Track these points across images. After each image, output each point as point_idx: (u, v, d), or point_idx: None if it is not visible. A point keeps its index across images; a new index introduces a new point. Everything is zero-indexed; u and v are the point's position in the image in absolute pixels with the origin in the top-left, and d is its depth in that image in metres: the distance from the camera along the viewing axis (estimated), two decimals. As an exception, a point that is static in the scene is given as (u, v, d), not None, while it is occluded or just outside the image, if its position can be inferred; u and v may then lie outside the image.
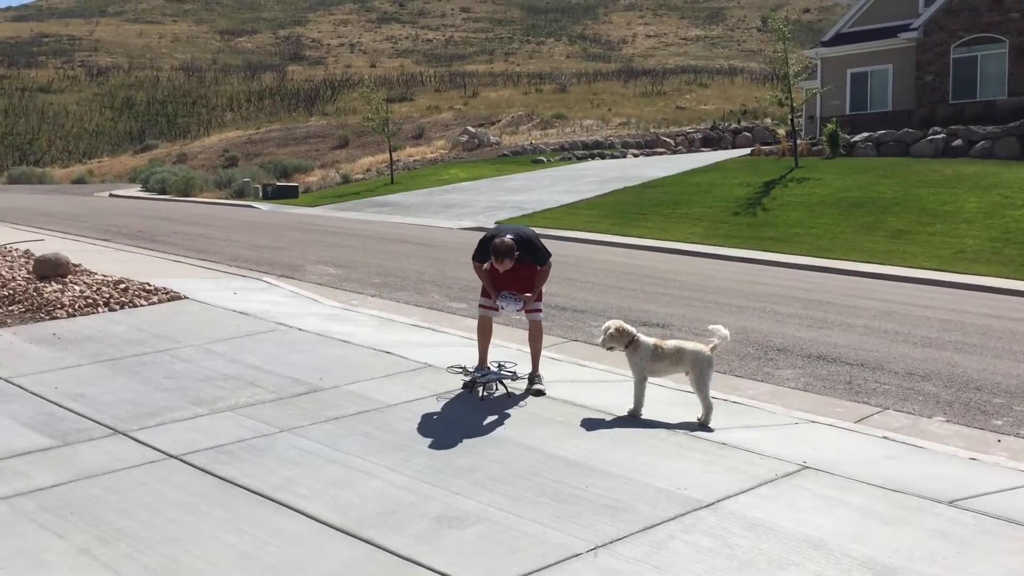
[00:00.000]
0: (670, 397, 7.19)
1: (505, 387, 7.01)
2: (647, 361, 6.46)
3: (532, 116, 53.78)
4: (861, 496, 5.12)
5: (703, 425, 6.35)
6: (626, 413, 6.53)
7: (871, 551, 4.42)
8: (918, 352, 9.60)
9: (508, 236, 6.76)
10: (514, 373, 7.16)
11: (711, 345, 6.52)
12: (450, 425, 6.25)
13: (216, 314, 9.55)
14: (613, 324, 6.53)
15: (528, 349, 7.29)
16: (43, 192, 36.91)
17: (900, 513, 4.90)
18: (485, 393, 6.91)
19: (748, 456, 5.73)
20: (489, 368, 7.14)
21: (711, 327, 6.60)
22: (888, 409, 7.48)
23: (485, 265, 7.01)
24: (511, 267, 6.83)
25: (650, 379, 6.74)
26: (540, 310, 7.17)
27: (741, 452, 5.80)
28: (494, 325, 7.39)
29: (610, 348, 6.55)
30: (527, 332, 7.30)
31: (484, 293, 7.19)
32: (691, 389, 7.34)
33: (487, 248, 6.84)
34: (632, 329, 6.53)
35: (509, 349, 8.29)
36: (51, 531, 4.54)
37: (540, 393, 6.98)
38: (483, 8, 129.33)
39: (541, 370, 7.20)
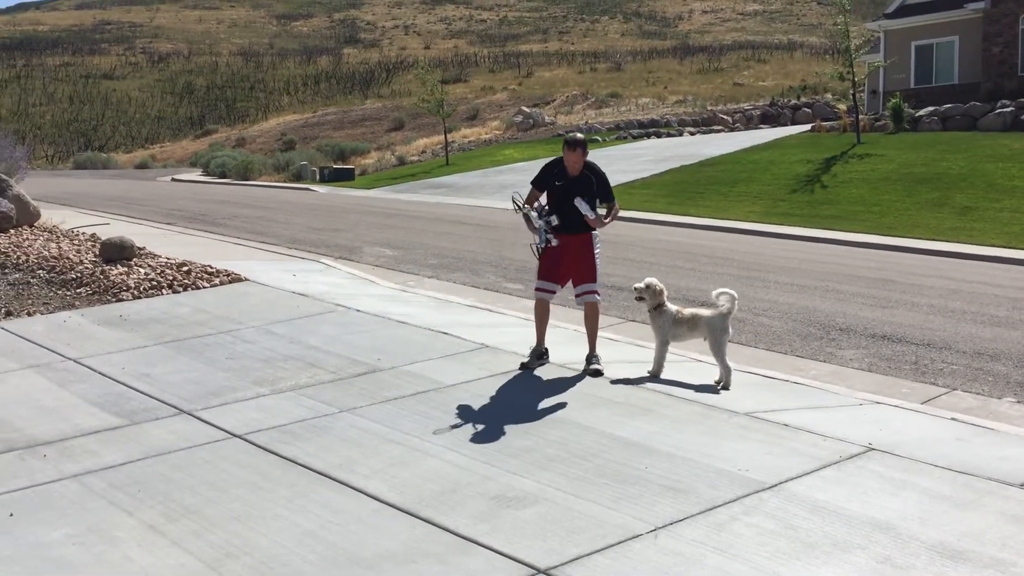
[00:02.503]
0: (733, 379, 7.09)
1: (548, 240, 6.94)
2: (670, 325, 6.91)
3: (587, 95, 53.41)
4: (929, 478, 5.01)
5: (724, 386, 6.69)
6: (646, 373, 6.94)
7: (940, 534, 4.32)
8: (987, 331, 9.35)
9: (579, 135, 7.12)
10: (549, 221, 7.00)
11: (725, 311, 6.88)
12: (508, 405, 6.26)
13: (276, 296, 9.68)
14: (651, 280, 7.05)
15: (584, 330, 7.28)
16: (108, 177, 37.74)
17: (970, 496, 4.78)
18: (544, 236, 6.93)
19: (811, 437, 5.63)
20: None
21: (715, 292, 7.05)
22: (956, 390, 7.30)
23: (541, 241, 6.98)
24: (571, 243, 6.92)
25: (708, 359, 6.77)
26: (596, 292, 7.12)
27: (804, 433, 5.71)
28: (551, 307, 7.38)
29: (639, 299, 7.05)
30: (583, 313, 7.28)
31: (540, 276, 7.18)
32: (747, 368, 7.31)
33: (549, 172, 7.07)
34: (664, 292, 7.02)
35: (566, 330, 8.27)
36: (120, 508, 4.64)
37: (598, 373, 6.94)
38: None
39: (598, 350, 7.17)
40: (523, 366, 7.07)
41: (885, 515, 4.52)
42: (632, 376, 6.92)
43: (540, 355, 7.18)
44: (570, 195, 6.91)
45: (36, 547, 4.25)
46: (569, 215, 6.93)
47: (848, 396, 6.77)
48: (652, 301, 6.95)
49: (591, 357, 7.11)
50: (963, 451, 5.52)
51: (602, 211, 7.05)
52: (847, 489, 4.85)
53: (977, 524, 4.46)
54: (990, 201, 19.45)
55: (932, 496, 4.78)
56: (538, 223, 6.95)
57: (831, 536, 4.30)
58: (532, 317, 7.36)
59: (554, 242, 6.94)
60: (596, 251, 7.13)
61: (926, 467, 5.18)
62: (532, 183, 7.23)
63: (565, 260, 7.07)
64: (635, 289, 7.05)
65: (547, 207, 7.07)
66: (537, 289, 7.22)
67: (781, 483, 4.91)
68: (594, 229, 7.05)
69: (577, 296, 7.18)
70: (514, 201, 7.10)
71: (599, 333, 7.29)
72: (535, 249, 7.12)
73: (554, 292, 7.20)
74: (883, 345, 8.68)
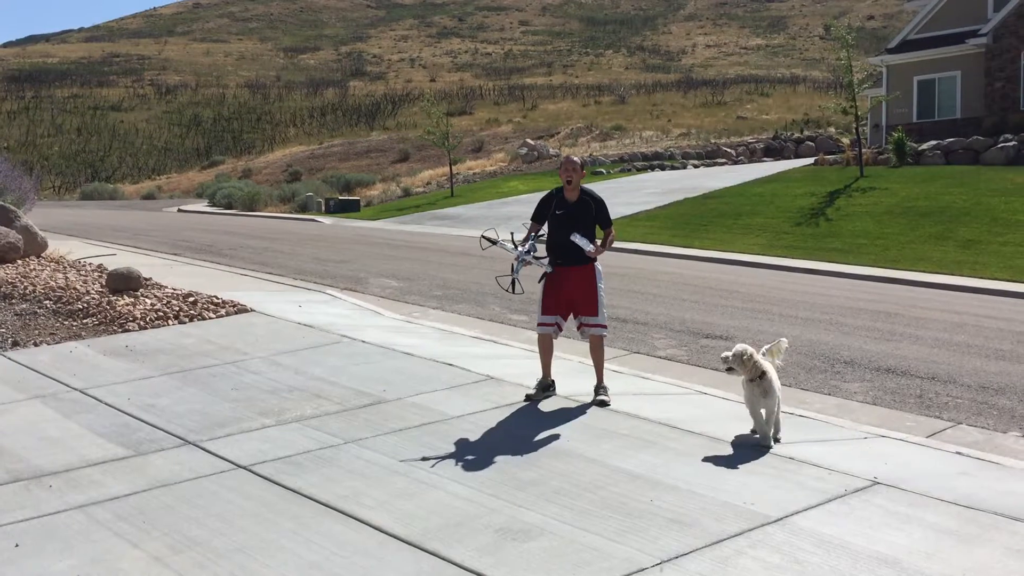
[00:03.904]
0: (735, 411, 7.10)
1: (544, 265, 6.91)
2: (777, 390, 6.05)
3: (591, 128, 53.72)
4: (934, 513, 5.00)
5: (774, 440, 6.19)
6: (762, 444, 6.08)
7: (946, 570, 4.31)
8: (991, 365, 9.34)
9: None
10: (538, 258, 6.98)
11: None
12: (513, 437, 6.26)
13: (282, 327, 9.71)
14: (742, 348, 6.08)
15: (590, 362, 7.29)
16: (114, 208, 37.95)
17: (975, 531, 4.77)
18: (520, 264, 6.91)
19: (817, 471, 5.63)
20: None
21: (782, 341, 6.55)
22: (961, 424, 7.29)
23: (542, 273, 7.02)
24: (573, 275, 6.94)
25: (720, 394, 6.75)
26: (600, 325, 7.08)
27: (809, 467, 5.70)
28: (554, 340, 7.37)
29: (729, 370, 6.16)
30: (588, 345, 7.29)
31: (543, 310, 7.13)
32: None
33: (547, 203, 7.06)
34: (759, 360, 6.10)
35: (571, 362, 8.28)
36: (125, 539, 4.64)
37: (604, 404, 6.94)
38: (542, 21, 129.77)
39: (605, 381, 7.17)
40: (529, 398, 7.07)
41: (891, 550, 4.51)
42: (638, 408, 6.92)
43: (546, 387, 7.19)
44: (571, 222, 6.92)
45: (41, 578, 4.25)
46: (569, 246, 6.90)
47: (853, 429, 6.76)
48: (750, 372, 6.06)
49: (599, 388, 7.09)
50: (968, 485, 5.51)
51: (599, 242, 7.09)
52: (853, 523, 4.84)
53: (983, 559, 4.44)
54: (993, 235, 19.49)
55: (938, 531, 4.77)
56: (515, 251, 6.93)
57: (837, 571, 4.29)
58: (537, 349, 7.37)
59: (548, 270, 6.87)
60: (600, 284, 7.10)
61: (931, 501, 5.17)
62: (532, 218, 7.21)
63: (567, 292, 7.05)
64: (723, 360, 6.16)
65: (533, 237, 7.05)
66: (540, 324, 7.18)
67: (786, 517, 4.90)
68: (595, 260, 7.07)
69: (580, 328, 7.14)
70: (485, 238, 7.08)
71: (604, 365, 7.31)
72: (505, 282, 7.03)
73: (555, 325, 7.12)
74: (887, 378, 8.68)
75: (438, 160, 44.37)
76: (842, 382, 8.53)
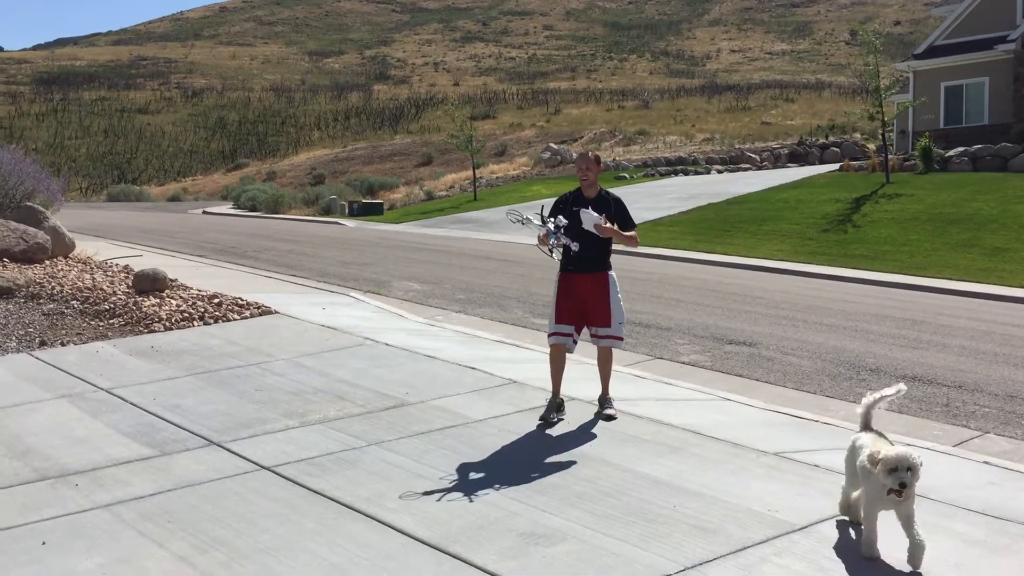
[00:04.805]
0: (760, 418, 7.06)
1: (569, 247, 6.53)
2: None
3: (615, 133, 53.65)
4: (963, 523, 4.94)
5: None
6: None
7: (974, 581, 4.25)
8: (1019, 374, 9.23)
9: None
10: (565, 233, 6.56)
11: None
12: (536, 442, 6.25)
13: (305, 328, 9.75)
14: (911, 459, 4.43)
15: (614, 367, 7.16)
16: (140, 209, 38.28)
17: (1004, 541, 4.71)
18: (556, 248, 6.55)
19: (842, 479, 5.56)
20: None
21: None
22: (988, 433, 7.21)
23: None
24: (587, 281, 6.66)
25: (744, 400, 6.68)
26: (613, 336, 6.71)
27: (834, 474, 5.64)
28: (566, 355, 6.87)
29: (902, 488, 4.38)
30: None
31: (556, 319, 6.72)
32: (776, 407, 7.19)
33: (565, 201, 6.74)
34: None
35: (592, 367, 8.23)
36: (150, 539, 4.67)
37: (611, 418, 6.71)
38: (566, 26, 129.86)
39: (611, 392, 6.92)
40: (542, 419, 6.65)
41: (918, 559, 4.45)
42: (662, 413, 6.89)
43: (558, 407, 6.77)
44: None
45: (68, 576, 4.28)
46: (584, 248, 6.54)
47: (879, 438, 6.69)
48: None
49: (604, 400, 6.87)
50: (996, 495, 5.44)
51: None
52: (878, 532, 4.78)
53: (1012, 570, 4.39)
54: (1021, 243, 19.27)
55: (966, 541, 4.71)
56: (542, 229, 6.51)
57: (863, 580, 4.24)
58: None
59: (574, 247, 6.47)
60: (615, 292, 6.71)
61: (959, 511, 5.11)
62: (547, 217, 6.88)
63: (582, 300, 6.69)
64: (888, 470, 4.37)
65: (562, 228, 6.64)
66: (552, 334, 6.72)
67: (811, 524, 4.86)
68: (609, 267, 6.73)
69: (594, 338, 6.78)
70: (514, 216, 6.68)
71: (613, 368, 7.02)
72: (550, 252, 6.60)
73: (571, 336, 6.69)
74: (914, 386, 8.60)
75: (461, 164, 44.46)
76: (868, 389, 8.43)
